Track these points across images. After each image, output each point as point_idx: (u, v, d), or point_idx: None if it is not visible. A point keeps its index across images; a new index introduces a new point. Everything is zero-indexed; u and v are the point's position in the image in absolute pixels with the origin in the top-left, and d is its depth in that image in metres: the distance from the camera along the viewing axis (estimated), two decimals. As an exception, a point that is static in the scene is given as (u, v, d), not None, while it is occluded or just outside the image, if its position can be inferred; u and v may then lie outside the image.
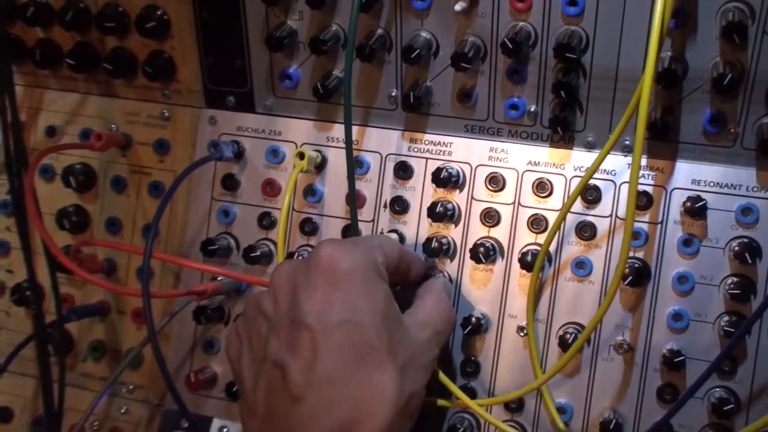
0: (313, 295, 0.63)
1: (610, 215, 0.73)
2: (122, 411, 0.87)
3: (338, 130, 0.79)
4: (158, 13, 0.81)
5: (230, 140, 0.81)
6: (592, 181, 0.72)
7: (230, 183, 0.82)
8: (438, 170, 0.75)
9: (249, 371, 0.66)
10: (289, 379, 0.61)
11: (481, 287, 0.76)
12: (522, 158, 0.75)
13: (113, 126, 0.85)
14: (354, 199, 0.75)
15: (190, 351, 0.84)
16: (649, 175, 0.72)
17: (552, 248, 0.74)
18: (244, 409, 0.66)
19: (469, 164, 0.76)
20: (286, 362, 0.61)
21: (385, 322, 0.63)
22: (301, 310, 0.62)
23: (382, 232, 0.78)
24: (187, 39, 0.81)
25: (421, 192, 0.77)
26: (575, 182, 0.74)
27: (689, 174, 0.71)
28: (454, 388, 0.74)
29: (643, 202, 0.71)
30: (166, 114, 0.84)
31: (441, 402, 0.75)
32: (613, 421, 0.72)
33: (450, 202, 0.76)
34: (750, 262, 0.68)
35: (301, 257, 0.79)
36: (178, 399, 0.76)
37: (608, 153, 0.67)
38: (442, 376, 0.74)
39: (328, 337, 0.61)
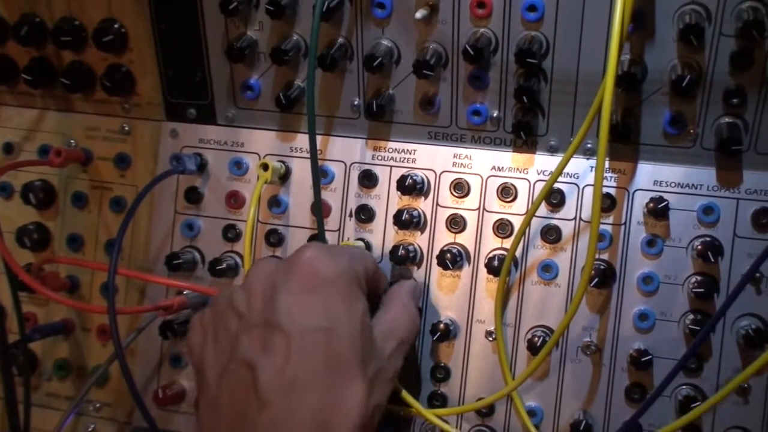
0: (292, 298, 0.62)
1: (575, 218, 0.73)
2: (90, 429, 0.85)
3: (301, 140, 0.79)
4: (115, 26, 0.80)
5: (192, 153, 0.81)
6: (555, 185, 0.73)
7: (194, 196, 0.81)
8: (402, 178, 0.75)
9: (213, 364, 0.64)
10: (259, 382, 0.60)
11: (448, 293, 0.76)
12: (486, 164, 0.75)
13: (72, 141, 0.84)
14: (320, 209, 0.74)
15: (157, 366, 0.83)
16: (611, 177, 0.73)
17: (518, 252, 0.74)
18: (203, 401, 0.65)
19: (433, 171, 0.76)
20: (258, 363, 0.60)
21: (361, 335, 0.63)
22: (277, 312, 0.61)
23: (348, 240, 0.77)
24: (146, 52, 0.80)
25: (386, 200, 0.77)
26: (539, 186, 0.74)
27: (651, 175, 0.72)
28: (417, 405, 0.74)
29: (606, 204, 0.72)
30: (126, 128, 0.83)
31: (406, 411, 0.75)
32: (583, 422, 0.73)
33: (415, 209, 0.76)
34: (713, 260, 0.69)
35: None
36: (147, 415, 0.75)
37: (571, 156, 0.67)
38: (405, 394, 0.74)
39: (302, 342, 0.61)
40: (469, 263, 0.76)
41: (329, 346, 0.61)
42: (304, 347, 0.61)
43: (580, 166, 0.73)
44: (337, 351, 0.61)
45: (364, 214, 0.77)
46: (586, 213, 0.73)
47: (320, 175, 0.77)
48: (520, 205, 0.74)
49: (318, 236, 0.76)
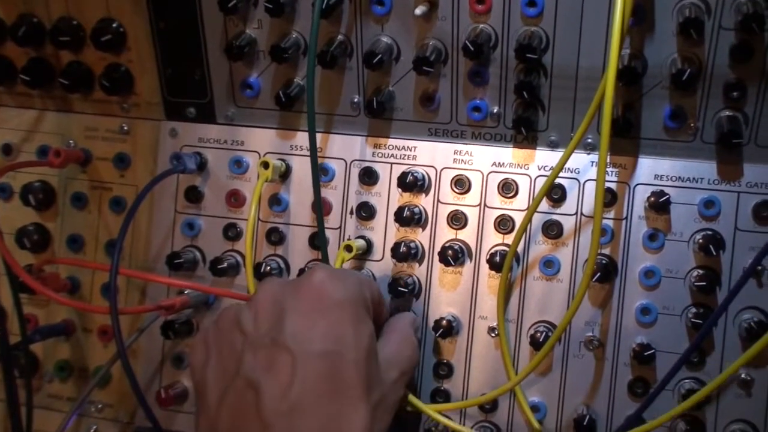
0: (300, 320, 0.62)
1: (576, 213, 0.73)
2: (92, 430, 0.85)
3: (301, 138, 0.79)
4: (114, 25, 0.80)
5: (192, 152, 0.81)
6: (556, 180, 0.73)
7: (194, 195, 0.81)
8: (403, 175, 0.75)
9: (215, 384, 0.64)
10: (262, 403, 0.59)
11: (450, 290, 0.76)
12: (486, 160, 0.75)
13: (71, 142, 0.84)
14: (320, 208, 0.74)
15: (159, 366, 0.83)
16: (612, 171, 0.73)
17: (519, 248, 0.74)
18: (203, 422, 0.64)
19: (434, 167, 0.76)
20: (261, 383, 0.60)
21: (367, 360, 0.62)
22: (284, 332, 0.61)
23: (349, 239, 0.77)
24: (145, 51, 0.80)
25: (387, 197, 0.77)
26: (540, 182, 0.74)
27: (652, 169, 0.72)
28: (418, 403, 0.74)
29: (607, 198, 0.72)
30: (126, 128, 0.83)
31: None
32: (587, 417, 0.73)
33: (416, 206, 0.76)
34: (714, 254, 0.69)
35: (272, 270, 0.78)
36: (151, 415, 0.75)
37: (572, 152, 0.67)
38: (412, 398, 0.74)
39: (308, 364, 0.60)
40: (471, 259, 0.76)
41: (335, 370, 0.61)
42: (309, 369, 0.60)
43: (580, 161, 0.73)
44: (342, 375, 0.61)
45: (365, 212, 0.77)
46: (588, 208, 0.73)
47: (321, 173, 0.77)
48: (522, 200, 0.74)
49: (318, 235, 0.75)
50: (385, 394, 0.65)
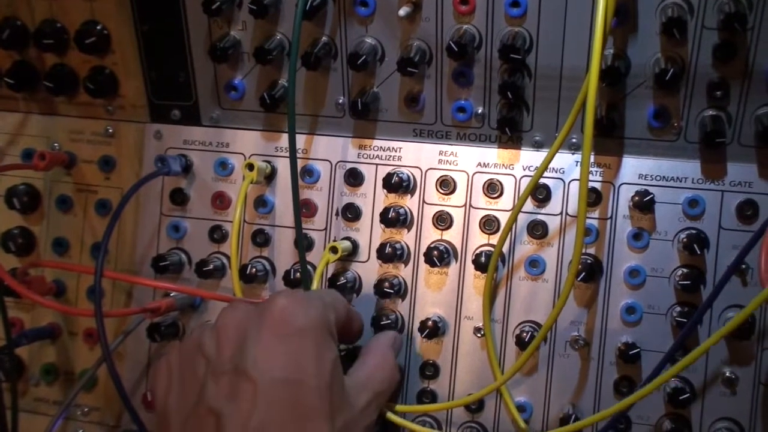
0: (262, 347, 0.61)
1: (561, 213, 0.74)
2: (78, 434, 0.85)
3: (286, 140, 0.77)
4: (98, 28, 0.80)
5: (177, 154, 0.80)
6: (541, 180, 0.73)
7: (179, 197, 0.81)
8: (388, 176, 0.75)
9: (177, 410, 0.63)
10: (224, 431, 0.59)
11: (436, 290, 0.76)
12: (471, 160, 0.75)
13: (56, 145, 0.84)
14: (298, 210, 0.74)
15: (145, 369, 0.82)
16: (596, 171, 0.73)
17: (505, 248, 0.74)
18: None
19: (419, 168, 0.76)
20: (223, 411, 0.59)
21: (329, 387, 0.62)
22: (246, 360, 0.60)
23: (335, 240, 0.77)
24: (129, 53, 0.80)
25: (372, 198, 0.77)
26: (525, 182, 0.74)
27: (636, 169, 0.72)
28: (408, 425, 0.75)
29: (592, 198, 0.72)
30: (111, 130, 0.83)
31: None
32: (573, 416, 0.73)
33: (402, 207, 0.76)
34: (698, 252, 0.69)
35: (254, 283, 0.78)
36: (137, 419, 0.75)
37: (557, 152, 0.68)
38: (391, 416, 0.74)
39: (269, 392, 0.59)
40: (457, 260, 0.76)
41: (297, 398, 0.60)
42: (271, 397, 0.59)
43: (565, 161, 0.73)
44: (304, 402, 0.60)
45: (351, 213, 0.77)
46: (572, 208, 0.73)
47: (305, 174, 0.78)
48: (507, 201, 0.75)
49: (297, 239, 0.75)
50: (353, 420, 0.64)
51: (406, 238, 0.77)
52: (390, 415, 0.74)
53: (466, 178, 0.75)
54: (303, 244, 0.76)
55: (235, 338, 0.63)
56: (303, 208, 0.77)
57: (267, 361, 0.60)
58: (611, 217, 0.73)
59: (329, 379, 0.62)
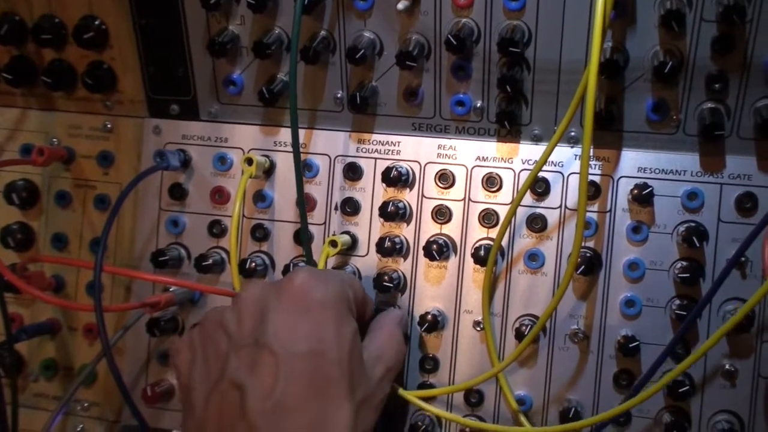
0: (282, 320, 0.62)
1: (560, 206, 0.74)
2: (78, 429, 0.85)
3: (285, 134, 0.78)
4: (96, 23, 0.79)
5: (176, 149, 0.80)
6: (540, 174, 0.73)
7: (178, 192, 0.81)
8: (387, 170, 0.75)
9: (201, 385, 0.64)
10: (247, 404, 0.59)
11: (435, 284, 0.76)
12: (470, 154, 0.75)
13: (55, 140, 0.84)
14: (303, 204, 0.74)
15: (145, 364, 0.82)
16: (595, 164, 0.73)
17: (504, 242, 0.74)
18: (190, 423, 0.64)
19: (418, 162, 0.76)
20: (246, 384, 0.60)
21: (350, 358, 0.63)
22: (267, 333, 0.61)
23: (334, 234, 0.77)
24: (127, 48, 0.80)
25: (371, 192, 0.77)
26: (524, 175, 0.74)
27: (635, 162, 0.72)
28: (414, 400, 0.75)
29: (591, 191, 0.72)
30: (109, 125, 0.83)
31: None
32: (572, 410, 0.73)
33: (401, 201, 0.76)
34: (698, 245, 0.70)
35: (254, 277, 0.78)
36: (137, 413, 0.75)
37: (556, 145, 0.68)
38: (402, 391, 0.74)
39: (291, 364, 0.60)
40: (456, 254, 0.76)
41: (318, 369, 0.61)
42: (292, 369, 0.60)
43: (564, 154, 0.73)
44: (325, 374, 0.61)
45: (350, 207, 0.77)
46: (572, 201, 0.73)
47: (305, 169, 0.78)
48: (506, 194, 0.75)
49: (301, 231, 0.75)
50: (371, 392, 0.65)
51: (406, 232, 0.77)
52: (402, 391, 0.74)
53: (465, 172, 0.75)
54: (307, 237, 0.76)
55: (255, 312, 0.63)
56: (302, 203, 0.77)
57: (287, 334, 0.61)
58: (610, 211, 0.73)
59: (349, 351, 0.63)
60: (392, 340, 0.71)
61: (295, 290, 0.63)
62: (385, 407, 0.69)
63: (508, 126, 0.72)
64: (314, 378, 0.61)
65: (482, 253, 0.74)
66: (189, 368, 0.66)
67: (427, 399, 0.76)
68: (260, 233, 0.79)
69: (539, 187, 0.73)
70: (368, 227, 0.77)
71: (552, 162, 0.73)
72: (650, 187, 0.71)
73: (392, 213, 0.75)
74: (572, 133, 0.73)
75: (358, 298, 0.69)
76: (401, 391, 0.74)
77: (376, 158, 0.77)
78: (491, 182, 0.75)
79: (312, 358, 0.61)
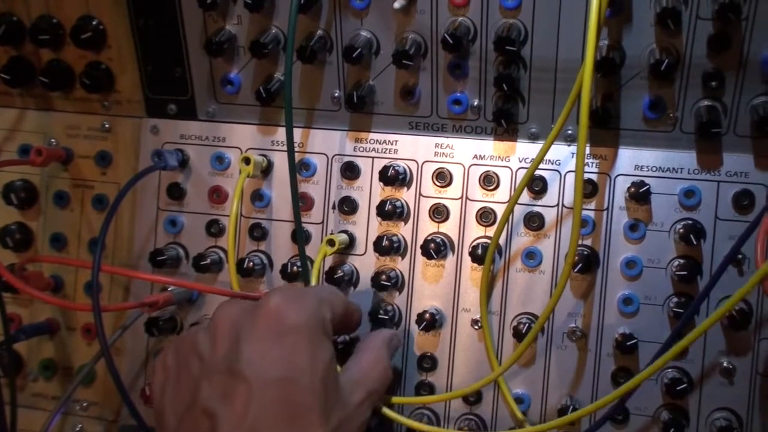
0: (255, 346, 0.61)
1: (557, 205, 0.74)
2: (77, 429, 0.85)
3: (283, 134, 0.79)
4: (93, 23, 0.80)
5: (174, 149, 0.80)
6: (537, 172, 0.73)
7: (176, 192, 0.81)
8: (385, 169, 0.75)
9: (172, 411, 0.63)
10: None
11: (433, 283, 0.76)
12: (467, 152, 0.75)
13: (53, 140, 0.84)
14: (297, 204, 0.74)
15: (143, 364, 0.82)
16: (592, 162, 0.73)
17: (501, 240, 0.74)
18: None
19: (415, 161, 0.76)
20: (217, 412, 0.59)
21: (323, 384, 0.61)
22: (240, 359, 0.60)
23: (331, 233, 0.77)
24: (125, 48, 0.80)
25: (368, 191, 0.77)
26: (521, 174, 0.74)
27: (632, 160, 0.72)
28: (403, 420, 0.75)
29: (588, 189, 0.73)
30: (107, 125, 0.83)
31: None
32: (571, 408, 0.73)
33: (398, 199, 0.76)
34: (695, 243, 0.70)
35: (251, 277, 0.78)
36: (135, 413, 0.75)
37: (552, 143, 0.68)
38: (386, 411, 0.74)
39: (263, 392, 0.59)
40: (453, 252, 0.76)
41: (290, 396, 0.60)
42: (265, 397, 0.59)
43: (561, 152, 0.73)
44: (298, 401, 0.60)
45: (347, 206, 0.77)
46: (569, 199, 0.73)
47: (301, 168, 0.78)
48: (503, 193, 0.75)
49: (296, 232, 0.75)
50: (347, 418, 0.64)
51: (403, 230, 0.77)
52: (385, 410, 0.74)
53: (462, 171, 0.75)
54: (303, 237, 0.76)
55: (229, 337, 0.62)
56: (299, 202, 0.77)
57: (260, 361, 0.60)
58: (607, 209, 0.73)
59: (323, 377, 0.62)
60: (376, 363, 0.70)
61: (270, 314, 0.62)
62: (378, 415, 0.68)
63: (505, 124, 0.73)
64: (286, 405, 0.60)
65: (480, 251, 0.74)
66: (161, 391, 0.65)
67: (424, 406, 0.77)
68: (258, 233, 0.79)
69: (536, 185, 0.73)
70: (366, 226, 0.77)
71: (549, 160, 0.73)
72: (647, 184, 0.71)
73: (390, 212, 0.75)
74: (569, 132, 0.73)
75: (337, 315, 0.68)
76: (384, 410, 0.74)
77: (373, 157, 0.77)
78: (488, 181, 0.75)
79: (284, 385, 0.60)
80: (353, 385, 0.67)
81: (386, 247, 0.75)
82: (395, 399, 0.75)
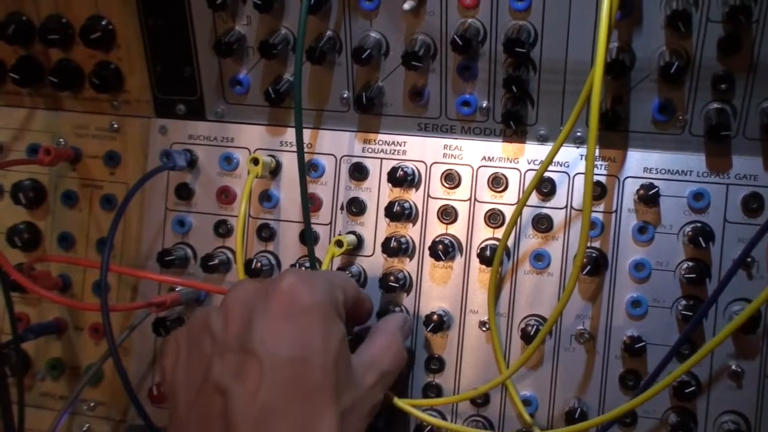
0: (268, 325, 0.61)
1: (566, 207, 0.74)
2: (84, 429, 0.85)
3: (291, 134, 0.79)
4: (103, 23, 0.80)
5: (182, 149, 0.81)
6: (546, 174, 0.73)
7: (184, 192, 0.81)
8: (393, 170, 0.75)
9: (185, 388, 0.63)
10: (231, 409, 0.58)
11: (441, 284, 0.76)
12: (476, 154, 0.75)
13: (62, 140, 0.84)
14: (306, 204, 0.74)
15: (151, 364, 0.82)
16: (601, 165, 0.73)
17: (510, 242, 0.74)
18: (173, 426, 0.64)
19: (423, 162, 0.76)
20: (230, 389, 0.59)
21: (335, 365, 0.61)
22: (252, 338, 0.60)
23: (339, 234, 0.77)
24: (134, 48, 0.80)
25: (377, 192, 0.77)
26: (530, 176, 0.74)
27: (641, 162, 0.72)
28: (416, 412, 0.74)
29: (597, 192, 0.72)
30: (116, 125, 0.83)
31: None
32: (578, 410, 0.73)
33: (407, 201, 0.76)
34: (704, 246, 0.70)
35: (260, 277, 0.78)
36: (143, 413, 0.75)
37: (561, 145, 0.68)
38: (397, 401, 0.74)
39: (275, 370, 0.59)
40: (462, 254, 0.76)
41: (302, 376, 0.60)
42: (277, 376, 0.59)
43: (570, 154, 0.73)
44: (308, 381, 0.60)
45: (355, 207, 0.77)
46: (577, 201, 0.73)
47: (310, 169, 0.78)
48: (511, 194, 0.75)
49: (305, 232, 0.75)
50: (359, 399, 0.64)
51: (411, 232, 0.77)
52: (397, 401, 0.74)
53: (470, 172, 0.75)
54: (312, 238, 0.76)
55: (241, 316, 0.63)
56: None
57: (273, 340, 0.60)
58: (616, 211, 0.73)
59: (335, 358, 0.62)
60: (390, 346, 0.70)
61: (283, 294, 0.62)
62: (389, 410, 0.68)
63: (514, 126, 0.73)
64: (298, 384, 0.60)
65: (488, 253, 0.74)
66: (173, 370, 0.65)
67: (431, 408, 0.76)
68: (266, 233, 0.79)
69: (545, 187, 0.73)
70: (374, 227, 0.77)
71: (558, 162, 0.73)
72: (656, 187, 0.71)
73: (398, 213, 0.75)
74: (578, 134, 0.73)
75: (349, 299, 0.68)
76: (396, 401, 0.74)
77: (381, 158, 0.77)
78: (497, 182, 0.75)
79: (296, 365, 0.60)
80: (366, 367, 0.67)
81: (394, 248, 0.75)
82: (403, 402, 0.75)
